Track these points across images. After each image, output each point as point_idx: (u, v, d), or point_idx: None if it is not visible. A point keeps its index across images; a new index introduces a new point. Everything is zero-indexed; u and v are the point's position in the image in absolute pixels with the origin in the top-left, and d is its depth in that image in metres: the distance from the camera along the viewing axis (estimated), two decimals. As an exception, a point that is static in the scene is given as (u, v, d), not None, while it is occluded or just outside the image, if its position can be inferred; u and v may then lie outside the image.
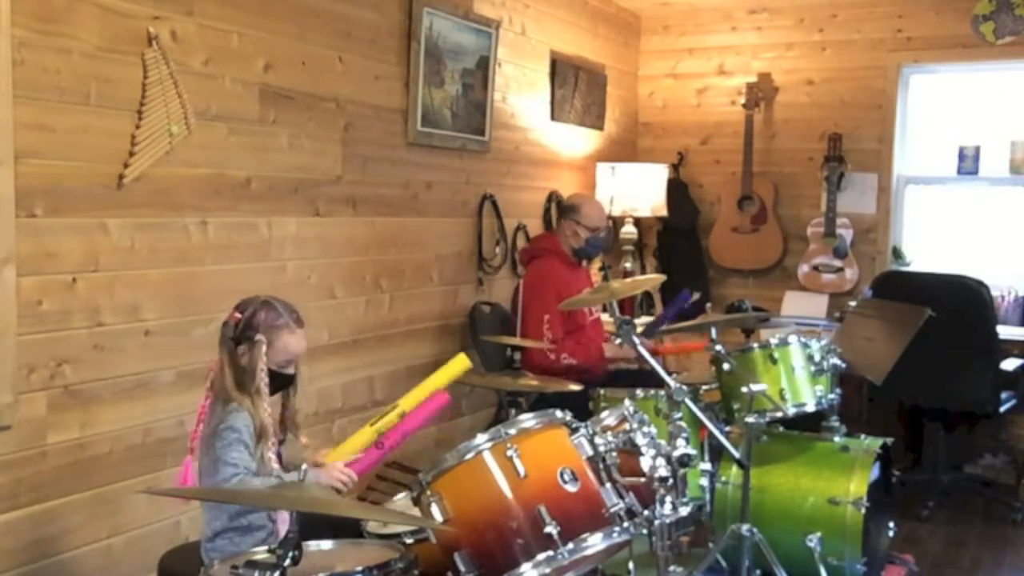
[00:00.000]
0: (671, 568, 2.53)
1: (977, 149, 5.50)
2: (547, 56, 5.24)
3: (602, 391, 3.62)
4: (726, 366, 3.48)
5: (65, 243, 2.83)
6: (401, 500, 2.97)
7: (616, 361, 4.50)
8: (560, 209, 4.75)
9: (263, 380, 2.57)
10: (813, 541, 3.30)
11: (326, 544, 2.28)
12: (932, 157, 5.73)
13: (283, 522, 2.57)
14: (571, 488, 2.26)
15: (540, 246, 4.59)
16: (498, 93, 4.79)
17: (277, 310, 2.64)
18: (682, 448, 2.49)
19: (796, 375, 3.52)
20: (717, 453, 3.48)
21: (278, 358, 2.62)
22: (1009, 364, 4.68)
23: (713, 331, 3.48)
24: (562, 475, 2.26)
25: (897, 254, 5.71)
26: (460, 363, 3.02)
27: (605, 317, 4.57)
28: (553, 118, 5.32)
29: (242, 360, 2.59)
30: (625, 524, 2.30)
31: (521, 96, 5.03)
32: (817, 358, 3.56)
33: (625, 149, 6.12)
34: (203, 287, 3.25)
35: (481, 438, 2.28)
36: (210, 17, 3.24)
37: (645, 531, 2.41)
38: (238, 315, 2.60)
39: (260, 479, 2.50)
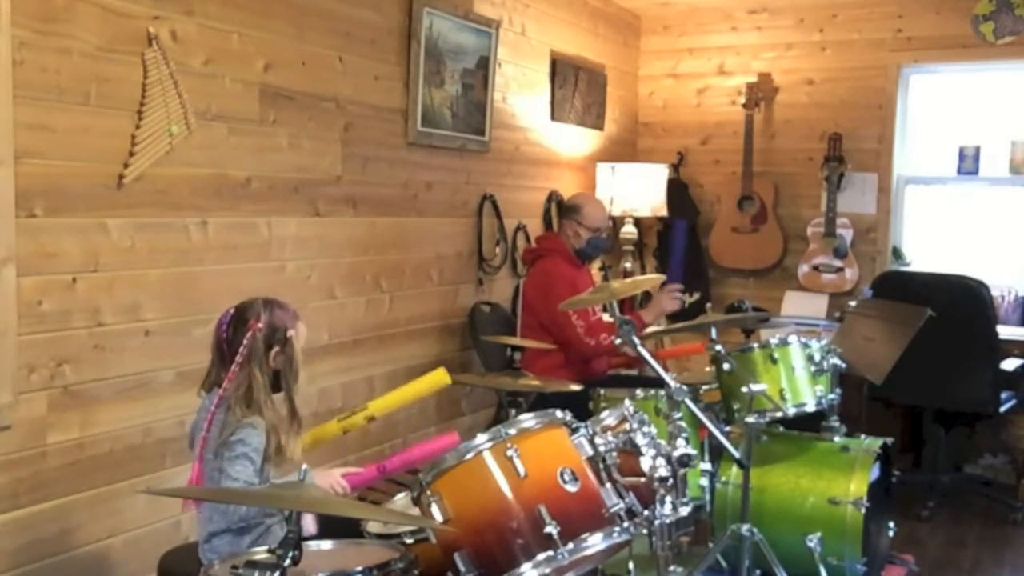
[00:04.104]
0: (671, 568, 2.53)
1: (977, 149, 5.50)
2: (547, 56, 5.24)
3: (602, 391, 3.63)
4: (726, 366, 3.48)
5: (65, 243, 2.83)
6: (401, 500, 2.96)
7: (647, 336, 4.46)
8: (562, 209, 4.75)
9: None
10: (813, 541, 3.30)
11: (326, 544, 2.28)
12: (932, 157, 5.72)
13: (309, 523, 2.58)
14: (571, 488, 2.25)
15: (544, 246, 4.58)
16: (498, 93, 4.79)
17: (282, 304, 2.66)
18: (682, 448, 2.49)
19: (796, 375, 3.52)
20: (717, 453, 3.48)
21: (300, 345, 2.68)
22: (1009, 364, 4.67)
23: (713, 331, 3.48)
24: (562, 475, 2.26)
25: (897, 254, 5.71)
26: (438, 377, 2.94)
27: (606, 318, 4.56)
28: (553, 118, 5.32)
29: (276, 362, 2.58)
30: (625, 524, 2.29)
31: (521, 96, 5.03)
32: (817, 358, 3.55)
33: (625, 149, 6.12)
34: (203, 287, 3.25)
35: (481, 438, 2.27)
36: (210, 17, 3.24)
37: (645, 531, 2.41)
38: (258, 324, 2.54)
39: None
